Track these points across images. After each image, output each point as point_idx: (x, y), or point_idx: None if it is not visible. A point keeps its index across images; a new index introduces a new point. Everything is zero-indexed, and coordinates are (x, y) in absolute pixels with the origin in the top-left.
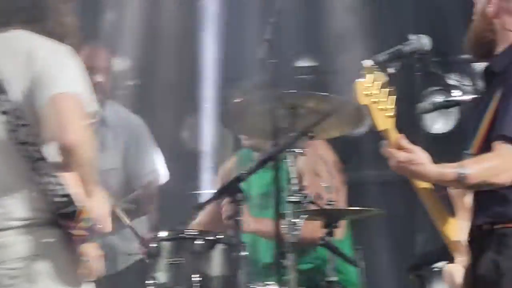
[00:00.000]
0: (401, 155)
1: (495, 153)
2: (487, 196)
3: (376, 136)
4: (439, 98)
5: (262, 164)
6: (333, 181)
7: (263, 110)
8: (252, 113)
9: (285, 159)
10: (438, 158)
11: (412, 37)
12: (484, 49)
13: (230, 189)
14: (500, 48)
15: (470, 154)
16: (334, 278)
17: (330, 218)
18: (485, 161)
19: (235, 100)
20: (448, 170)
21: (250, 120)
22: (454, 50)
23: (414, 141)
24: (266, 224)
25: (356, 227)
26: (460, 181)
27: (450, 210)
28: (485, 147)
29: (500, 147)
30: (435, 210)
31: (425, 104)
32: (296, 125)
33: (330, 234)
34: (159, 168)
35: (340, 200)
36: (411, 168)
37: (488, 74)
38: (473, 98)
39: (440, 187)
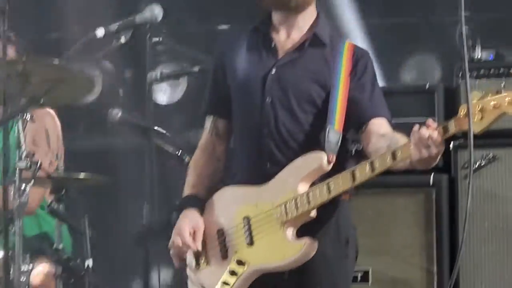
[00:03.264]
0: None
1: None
2: None
3: (103, 104)
4: (167, 69)
5: None
6: (59, 149)
7: None
8: None
9: (14, 125)
10: (165, 128)
11: (145, 8)
12: None
13: None
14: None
15: (335, 130)
16: (60, 246)
17: (57, 185)
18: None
19: None
20: None
21: None
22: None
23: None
24: None
25: (85, 195)
26: None
27: None
28: (347, 126)
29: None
30: None
31: (153, 74)
32: (26, 92)
33: (57, 200)
34: None
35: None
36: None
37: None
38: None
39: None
